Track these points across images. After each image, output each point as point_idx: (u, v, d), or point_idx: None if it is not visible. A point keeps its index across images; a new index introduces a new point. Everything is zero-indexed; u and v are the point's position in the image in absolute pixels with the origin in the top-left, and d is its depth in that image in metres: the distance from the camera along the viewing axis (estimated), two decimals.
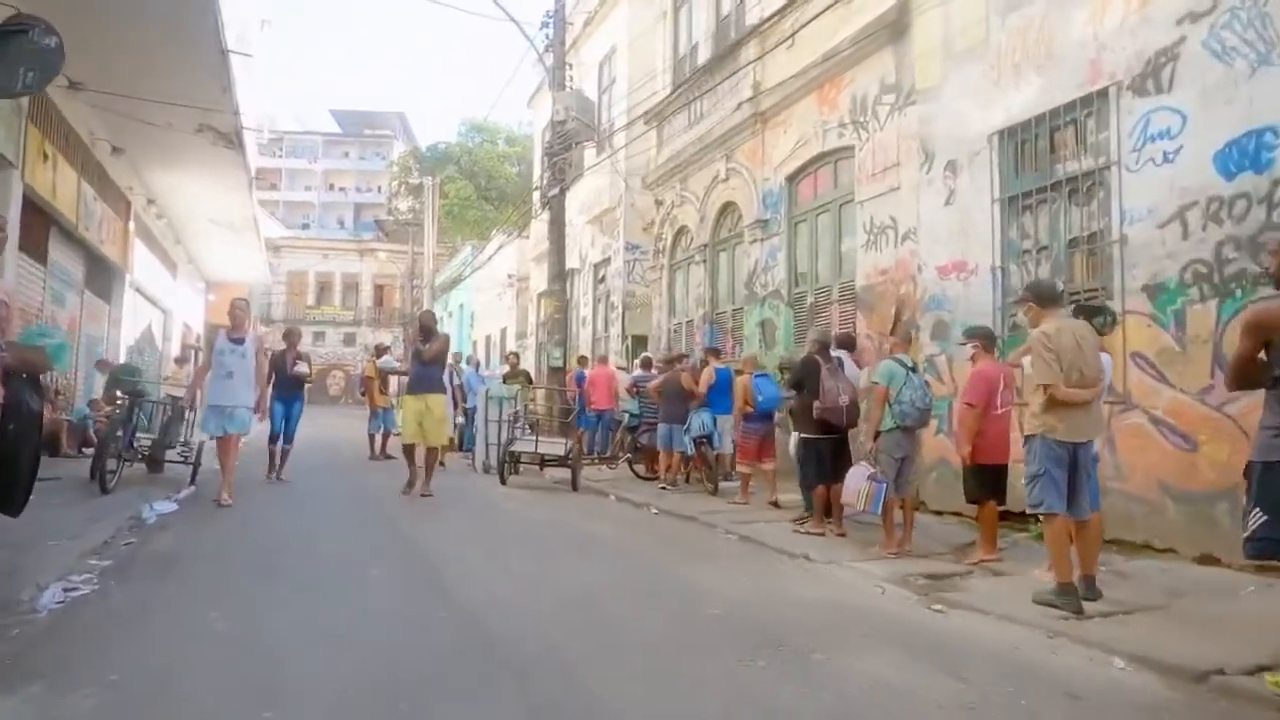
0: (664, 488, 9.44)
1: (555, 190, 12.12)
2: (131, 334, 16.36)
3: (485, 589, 4.71)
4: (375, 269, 48.69)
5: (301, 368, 9.72)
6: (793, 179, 10.13)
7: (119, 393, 10.64)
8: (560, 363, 12.78)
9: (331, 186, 63.04)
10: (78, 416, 10.95)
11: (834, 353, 7.26)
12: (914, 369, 6.39)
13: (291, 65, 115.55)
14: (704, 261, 12.18)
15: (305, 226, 56.88)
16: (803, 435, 7.21)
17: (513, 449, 9.78)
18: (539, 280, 20.64)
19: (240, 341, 7.52)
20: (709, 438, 9.28)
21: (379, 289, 49.63)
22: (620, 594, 4.76)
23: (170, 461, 8.97)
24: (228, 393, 7.42)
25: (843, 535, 6.67)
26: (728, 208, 11.68)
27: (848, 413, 6.96)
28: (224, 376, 7.43)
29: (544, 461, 10.04)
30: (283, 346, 10.12)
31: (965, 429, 5.67)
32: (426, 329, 8.58)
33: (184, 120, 12.11)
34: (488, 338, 26.13)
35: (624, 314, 15.26)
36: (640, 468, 10.65)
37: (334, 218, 61.16)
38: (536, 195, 20.48)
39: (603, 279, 16.57)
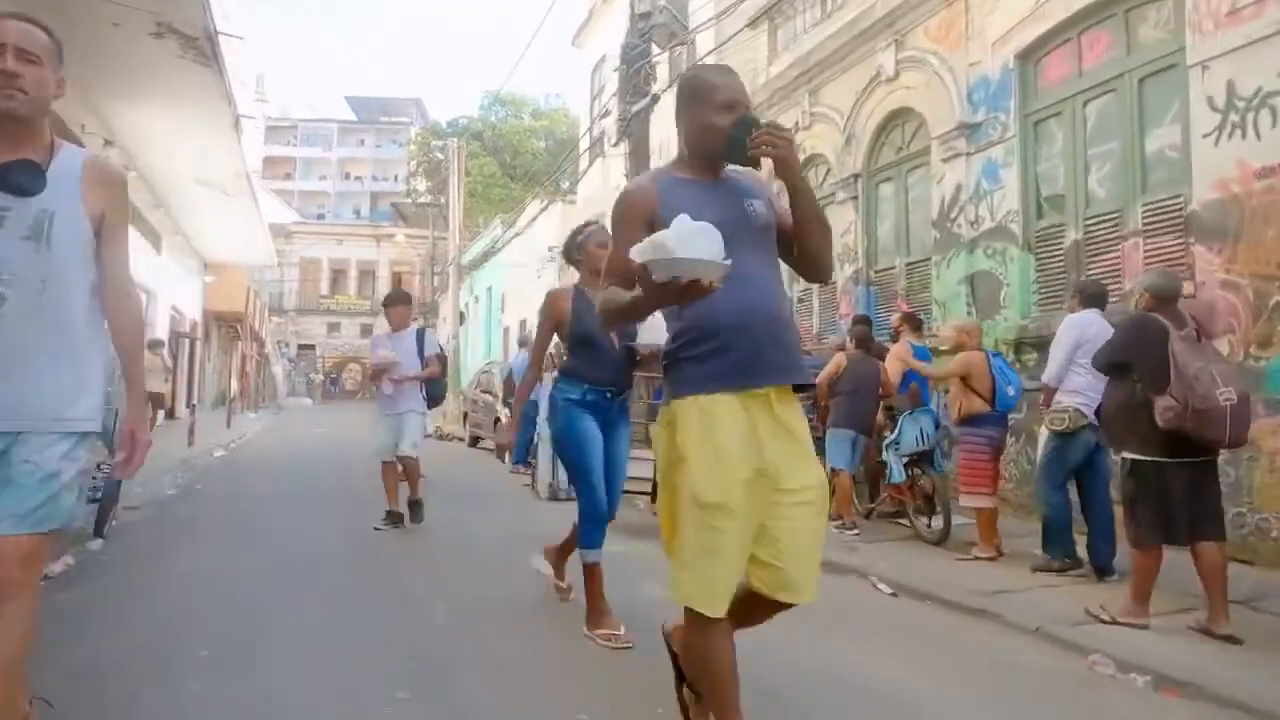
0: (844, 529, 6.05)
1: (642, 102, 8.68)
2: None
3: None
4: (393, 255, 45.59)
5: None
6: (1029, 56, 6.64)
7: None
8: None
9: (347, 175, 61.56)
10: None
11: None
12: None
13: (306, 51, 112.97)
14: (853, 198, 8.71)
15: (320, 217, 54.39)
16: (1133, 456, 3.81)
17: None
18: None
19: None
20: (929, 455, 5.86)
21: (397, 276, 46.47)
22: None
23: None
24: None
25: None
26: (897, 119, 8.20)
27: (1233, 419, 3.55)
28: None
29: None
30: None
31: None
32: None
33: (136, 22, 8.88)
34: (522, 322, 22.76)
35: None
36: None
37: (350, 207, 59.22)
38: (584, 154, 17.11)
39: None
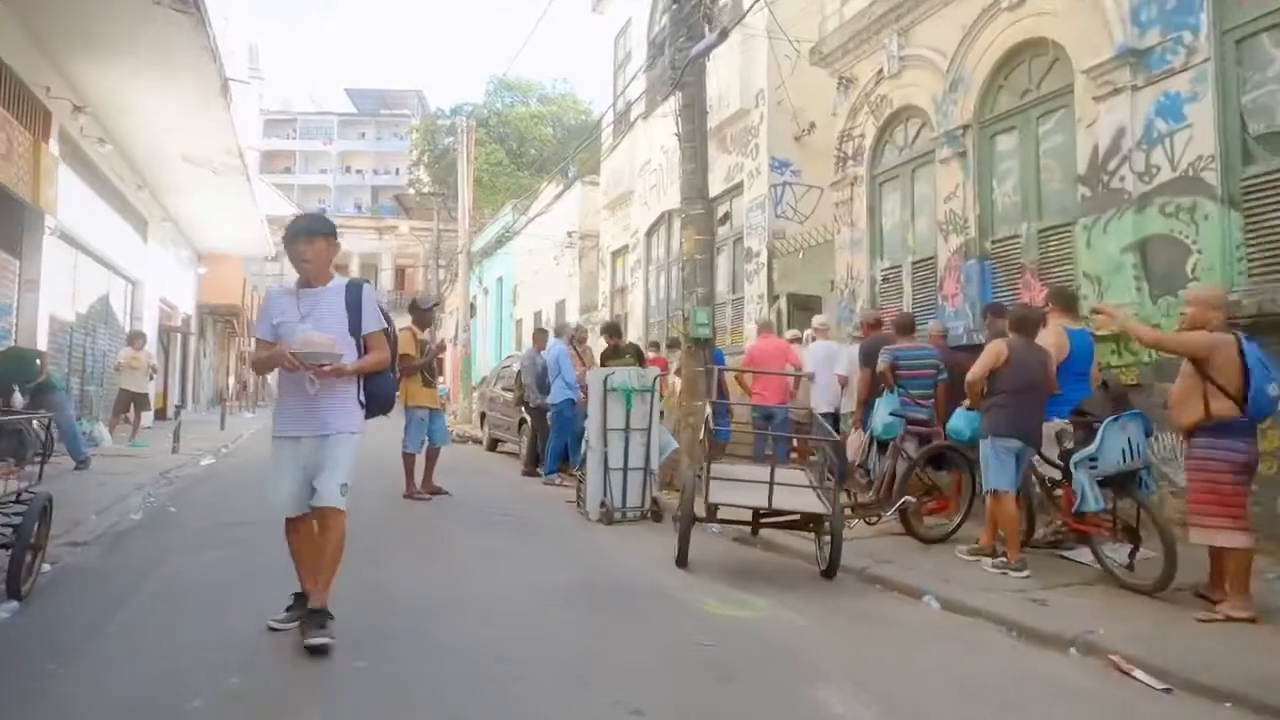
0: (1009, 570, 4.60)
1: (708, 40, 7.18)
2: (67, 303, 11.72)
3: None
4: (396, 248, 44.11)
5: None
6: None
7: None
8: (707, 331, 7.90)
9: (348, 169, 60.95)
10: None
11: None
12: None
13: (305, 42, 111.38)
14: (959, 155, 7.23)
15: (321, 211, 53.04)
16: None
17: (711, 497, 4.83)
18: (614, 235, 15.77)
19: None
20: (1133, 475, 4.40)
21: (400, 271, 45.05)
22: None
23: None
24: None
25: None
26: (1021, 54, 6.72)
27: None
28: None
29: (773, 520, 5.09)
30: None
31: None
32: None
33: None
34: (537, 314, 21.26)
35: (770, 264, 10.35)
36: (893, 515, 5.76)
37: (351, 201, 58.33)
38: (609, 126, 15.59)
39: (725, 218, 11.65)
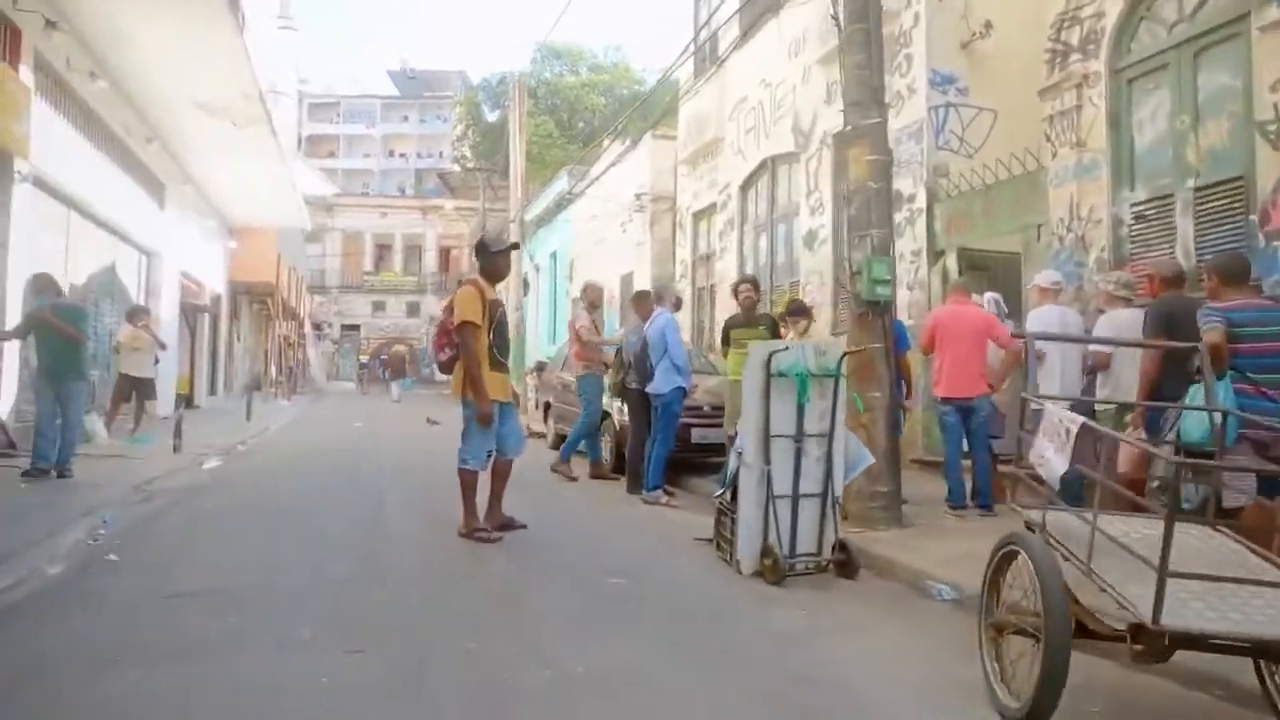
0: None
1: None
2: (54, 270, 9.55)
3: None
4: (441, 229, 42.27)
5: None
6: None
7: None
8: (889, 291, 5.45)
9: (391, 153, 60.35)
10: None
11: None
12: None
13: (348, 25, 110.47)
14: None
15: (365, 196, 52.21)
16: None
17: (1179, 618, 2.23)
18: (696, 194, 13.33)
19: None
20: None
21: (445, 252, 43.24)
22: None
23: None
24: None
25: None
26: None
27: None
28: None
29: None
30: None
31: None
32: None
33: None
34: (625, 277, 18.93)
35: (930, 210, 7.86)
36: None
37: (394, 185, 57.53)
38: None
39: None
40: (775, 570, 4.18)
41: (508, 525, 5.01)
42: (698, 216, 13.45)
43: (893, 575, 4.49)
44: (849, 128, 5.77)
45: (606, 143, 18.22)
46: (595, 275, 18.75)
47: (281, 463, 8.83)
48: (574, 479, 7.64)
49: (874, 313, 5.54)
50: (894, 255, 5.82)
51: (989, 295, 6.41)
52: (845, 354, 4.58)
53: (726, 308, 11.03)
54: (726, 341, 7.21)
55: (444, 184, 43.63)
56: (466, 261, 41.54)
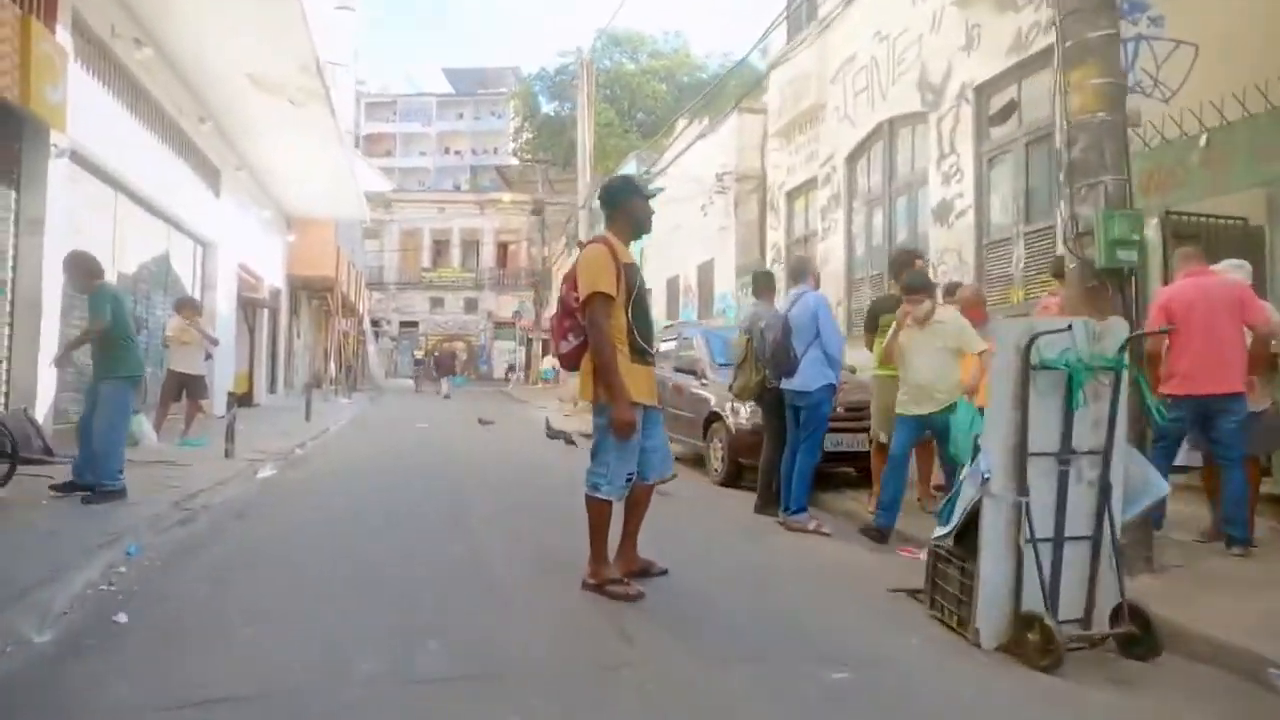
0: None
1: None
2: (100, 257, 8.65)
3: None
4: (498, 223, 41.57)
5: None
6: None
7: None
8: (1133, 254, 4.11)
9: (447, 150, 60.46)
10: None
11: None
12: None
13: (401, 22, 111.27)
14: None
15: (422, 191, 52.24)
16: None
17: None
18: (791, 169, 11.96)
19: None
20: None
21: (502, 247, 42.51)
22: None
23: None
24: None
25: None
26: None
27: None
28: None
29: None
30: None
31: None
32: None
33: None
34: (671, 281, 17.73)
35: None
36: None
37: (450, 182, 57.38)
38: None
39: (1009, 110, 7.70)
40: (1047, 650, 2.86)
41: (645, 571, 3.75)
42: (792, 195, 12.09)
43: (1190, 649, 3.14)
44: (1069, 43, 4.38)
45: (682, 125, 16.94)
46: (669, 265, 17.57)
47: (342, 474, 7.79)
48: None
49: (1109, 286, 4.17)
50: (1136, 210, 4.40)
51: (1232, 262, 4.96)
52: (1131, 337, 3.22)
53: (832, 292, 9.68)
54: (872, 328, 5.91)
55: (501, 178, 42.93)
56: (525, 255, 40.75)
